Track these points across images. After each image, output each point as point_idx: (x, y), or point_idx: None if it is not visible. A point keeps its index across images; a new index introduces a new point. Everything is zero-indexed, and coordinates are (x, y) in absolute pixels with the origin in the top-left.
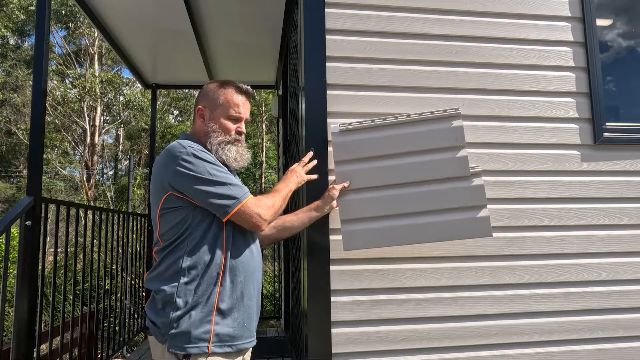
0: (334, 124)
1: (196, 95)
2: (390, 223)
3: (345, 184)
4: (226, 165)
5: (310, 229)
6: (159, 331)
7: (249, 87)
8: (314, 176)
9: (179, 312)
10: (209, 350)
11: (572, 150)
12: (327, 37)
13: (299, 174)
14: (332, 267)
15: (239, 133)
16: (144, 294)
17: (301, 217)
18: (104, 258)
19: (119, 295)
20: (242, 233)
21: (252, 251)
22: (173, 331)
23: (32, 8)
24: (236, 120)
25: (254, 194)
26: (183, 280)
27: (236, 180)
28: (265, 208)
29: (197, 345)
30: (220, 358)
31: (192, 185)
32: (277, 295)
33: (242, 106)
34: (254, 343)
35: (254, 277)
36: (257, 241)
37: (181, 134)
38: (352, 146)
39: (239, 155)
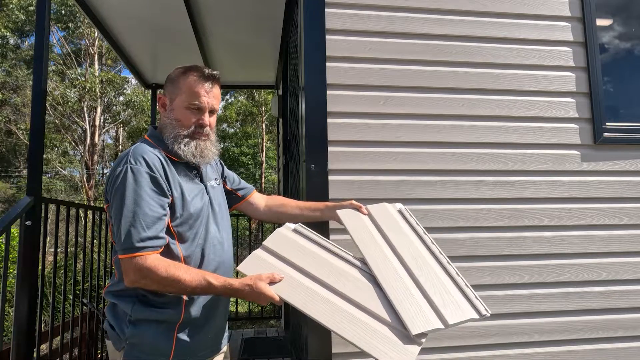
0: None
1: None
2: (315, 287)
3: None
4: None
5: (311, 228)
6: (117, 338)
7: (216, 72)
8: (276, 298)
9: (139, 322)
10: None
11: (572, 150)
12: (327, 37)
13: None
14: None
15: (200, 126)
16: None
17: (304, 212)
18: (104, 258)
19: None
20: (205, 239)
21: (224, 259)
22: (132, 340)
23: (32, 8)
24: (198, 110)
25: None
26: (144, 292)
27: (156, 222)
28: (155, 279)
29: (158, 357)
30: None
31: (112, 203)
32: None
33: (206, 95)
34: (225, 346)
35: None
36: (225, 243)
37: (150, 127)
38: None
39: (200, 151)
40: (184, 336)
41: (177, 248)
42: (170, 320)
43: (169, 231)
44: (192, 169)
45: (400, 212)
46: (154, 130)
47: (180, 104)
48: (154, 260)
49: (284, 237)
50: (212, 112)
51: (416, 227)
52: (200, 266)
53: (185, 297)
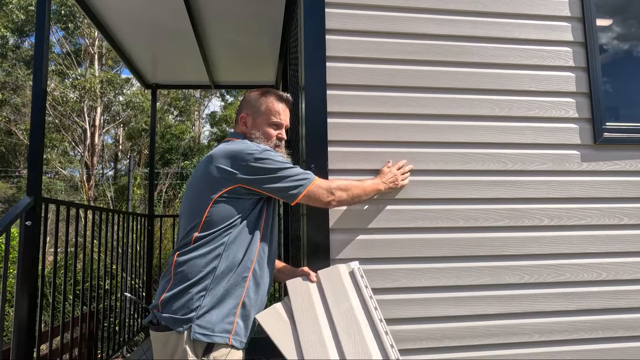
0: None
1: (240, 102)
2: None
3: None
4: None
5: (311, 228)
6: (177, 319)
7: (288, 95)
8: (407, 181)
9: (210, 299)
10: (229, 342)
11: (572, 150)
12: (327, 37)
13: (397, 177)
14: None
15: (279, 139)
16: (143, 294)
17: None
18: (104, 258)
19: (118, 295)
20: (274, 233)
21: (275, 250)
22: (200, 319)
23: (32, 8)
24: (277, 126)
25: None
26: (221, 267)
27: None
28: (336, 188)
29: (221, 335)
30: (236, 351)
31: (267, 174)
32: (277, 295)
33: (282, 113)
34: None
35: (270, 275)
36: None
37: (234, 133)
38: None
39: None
40: (241, 318)
41: (270, 238)
42: (234, 300)
43: (261, 226)
44: None
45: (352, 274)
46: (240, 134)
47: (263, 122)
48: (319, 180)
49: (337, 274)
50: (286, 127)
51: (363, 290)
52: (266, 268)
53: (248, 279)
